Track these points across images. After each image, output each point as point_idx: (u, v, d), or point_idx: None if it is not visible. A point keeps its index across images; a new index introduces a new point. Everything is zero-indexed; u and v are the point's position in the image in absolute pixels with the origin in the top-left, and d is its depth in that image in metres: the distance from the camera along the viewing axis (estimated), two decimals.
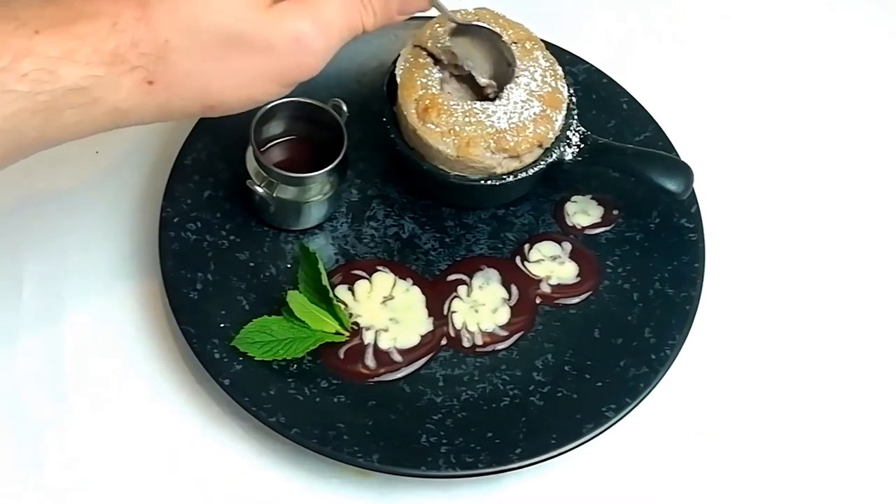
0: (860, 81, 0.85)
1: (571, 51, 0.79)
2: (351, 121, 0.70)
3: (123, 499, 0.64)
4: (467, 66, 0.69)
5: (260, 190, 0.68)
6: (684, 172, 0.70)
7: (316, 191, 0.69)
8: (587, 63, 0.79)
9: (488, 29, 0.69)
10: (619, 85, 0.78)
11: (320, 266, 0.67)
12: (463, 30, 0.68)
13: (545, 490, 0.66)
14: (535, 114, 0.68)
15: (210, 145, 0.73)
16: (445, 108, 0.67)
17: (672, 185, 0.70)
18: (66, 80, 0.51)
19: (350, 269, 0.71)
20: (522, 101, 0.68)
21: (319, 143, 0.70)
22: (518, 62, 0.69)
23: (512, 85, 0.69)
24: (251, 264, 0.70)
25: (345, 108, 0.70)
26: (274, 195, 0.68)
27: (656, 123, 0.77)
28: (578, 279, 0.72)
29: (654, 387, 0.66)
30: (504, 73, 0.69)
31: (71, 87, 0.51)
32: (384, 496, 0.65)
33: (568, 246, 0.73)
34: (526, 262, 0.72)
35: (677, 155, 0.75)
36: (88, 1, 0.52)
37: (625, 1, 0.88)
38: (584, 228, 0.74)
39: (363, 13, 0.57)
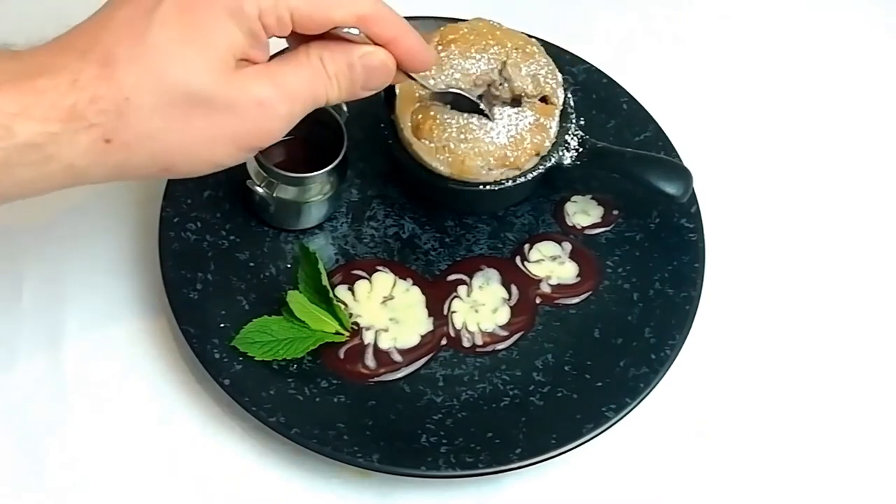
0: (860, 81, 0.85)
1: (571, 51, 0.79)
2: (351, 121, 0.70)
3: (123, 499, 0.64)
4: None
5: (260, 190, 0.68)
6: (683, 176, 0.70)
7: (316, 191, 0.69)
8: (587, 63, 0.79)
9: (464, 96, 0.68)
10: (619, 85, 0.78)
11: (320, 266, 0.67)
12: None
13: (545, 490, 0.66)
14: (530, 124, 0.68)
15: None
16: (439, 121, 0.67)
17: (671, 189, 0.69)
18: (21, 137, 0.50)
19: (350, 269, 0.71)
20: (516, 112, 0.68)
21: (319, 143, 0.70)
22: (516, 68, 0.69)
23: (503, 100, 0.69)
24: (251, 264, 0.70)
25: (345, 108, 0.70)
26: (274, 195, 0.68)
27: (656, 123, 0.77)
28: (578, 279, 0.72)
29: (654, 387, 0.66)
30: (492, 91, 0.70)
31: (25, 143, 0.50)
32: (384, 496, 0.65)
33: (568, 246, 0.73)
34: (526, 262, 0.72)
35: (677, 155, 0.75)
36: (52, 55, 0.52)
37: (625, 1, 0.88)
38: (584, 228, 0.74)
39: (328, 86, 0.56)
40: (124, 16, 0.52)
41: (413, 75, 0.59)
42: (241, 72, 0.54)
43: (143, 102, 0.51)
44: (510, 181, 0.69)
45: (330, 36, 0.56)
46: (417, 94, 0.68)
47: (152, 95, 0.51)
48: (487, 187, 0.69)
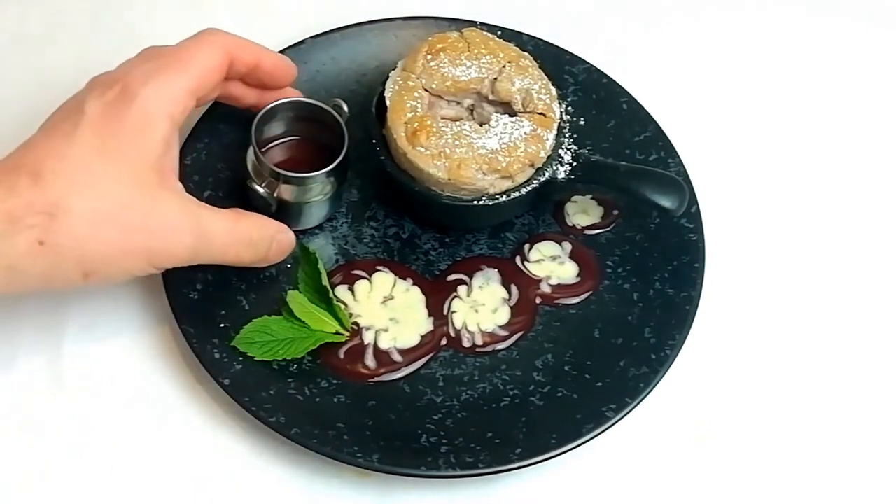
0: (861, 81, 0.85)
1: (571, 51, 0.79)
2: (350, 121, 0.70)
3: (123, 499, 0.64)
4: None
5: (261, 190, 0.68)
6: (679, 189, 0.69)
7: (317, 191, 0.69)
8: (587, 63, 0.79)
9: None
10: (619, 85, 0.78)
11: (320, 266, 0.67)
12: None
13: (545, 490, 0.66)
14: (525, 133, 0.68)
15: (210, 145, 0.72)
16: (434, 129, 0.67)
17: (667, 202, 0.68)
18: None
19: (350, 269, 0.71)
20: (512, 122, 0.68)
21: (320, 143, 0.70)
22: (508, 82, 0.69)
23: (500, 108, 0.69)
24: None
25: (346, 108, 0.70)
26: (275, 195, 0.68)
27: (656, 123, 0.77)
28: (578, 279, 0.72)
29: (654, 387, 0.66)
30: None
31: None
32: (384, 496, 0.65)
33: (568, 246, 0.73)
34: (526, 262, 0.72)
35: (677, 155, 0.75)
36: None
37: (625, 2, 0.88)
38: (584, 228, 0.74)
39: (246, 248, 0.65)
40: (46, 141, 0.60)
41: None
42: (160, 191, 0.61)
43: (70, 208, 0.58)
44: (504, 196, 0.68)
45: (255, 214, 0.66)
46: (409, 105, 0.68)
47: (76, 202, 0.58)
48: (481, 202, 0.68)
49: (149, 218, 0.60)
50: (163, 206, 0.61)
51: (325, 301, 0.67)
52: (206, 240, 0.63)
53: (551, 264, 0.72)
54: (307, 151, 0.71)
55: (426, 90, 0.69)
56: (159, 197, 0.61)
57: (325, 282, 0.67)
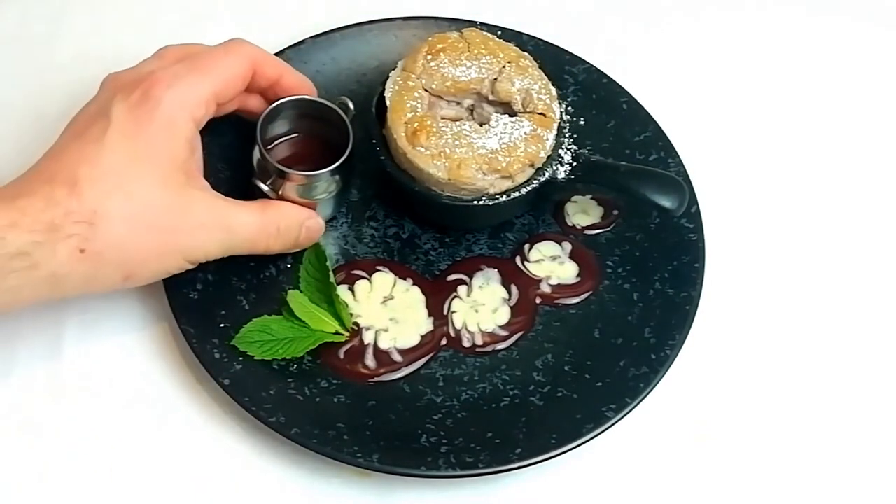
0: (861, 81, 0.85)
1: (571, 51, 0.79)
2: (353, 120, 0.70)
3: (123, 499, 0.64)
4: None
5: (265, 188, 0.68)
6: (678, 189, 0.69)
7: (322, 189, 0.69)
8: (587, 63, 0.79)
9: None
10: (619, 85, 0.78)
11: (328, 263, 0.67)
12: None
13: (545, 490, 0.66)
14: (525, 133, 0.68)
15: (210, 145, 0.72)
16: (434, 130, 0.67)
17: (667, 202, 0.68)
18: (13, 246, 0.57)
19: (350, 269, 0.71)
20: (513, 122, 0.68)
21: (325, 141, 0.70)
22: (508, 82, 0.69)
23: (500, 108, 0.69)
24: (251, 264, 0.70)
25: (351, 105, 0.70)
26: (279, 193, 0.68)
27: (656, 123, 0.77)
28: (578, 279, 0.72)
29: (654, 387, 0.66)
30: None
31: (16, 252, 0.57)
32: (384, 496, 0.65)
33: (568, 246, 0.73)
34: (526, 262, 0.72)
35: (677, 155, 0.75)
36: (23, 185, 0.60)
37: (625, 2, 0.88)
38: (584, 228, 0.74)
39: (273, 238, 0.66)
40: (78, 147, 0.61)
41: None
42: (189, 190, 0.63)
43: (108, 214, 0.59)
44: (504, 196, 0.68)
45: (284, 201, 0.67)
46: (409, 105, 0.68)
47: (113, 208, 0.59)
48: (481, 202, 0.68)
49: (182, 218, 0.62)
50: (194, 206, 0.63)
51: (328, 299, 0.67)
52: (236, 233, 0.64)
53: (551, 264, 0.72)
54: (312, 149, 0.71)
55: (426, 90, 0.69)
56: (189, 197, 0.63)
57: (332, 279, 0.67)
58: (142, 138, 0.61)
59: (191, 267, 0.64)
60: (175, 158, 0.62)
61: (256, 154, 0.69)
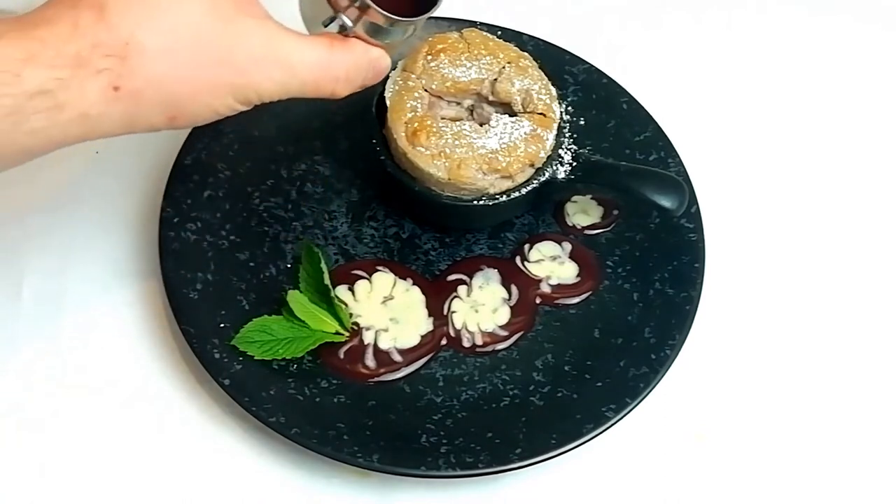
0: (861, 81, 0.85)
1: (571, 51, 0.79)
2: (352, 120, 0.70)
3: (123, 498, 0.64)
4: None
5: (342, 16, 0.58)
6: (679, 189, 0.69)
7: (397, 36, 0.60)
8: (587, 63, 0.79)
9: None
10: (619, 85, 0.78)
11: (322, 265, 0.67)
12: None
13: (545, 490, 0.66)
14: (525, 133, 0.68)
15: (210, 145, 0.73)
16: (434, 129, 0.67)
17: (667, 202, 0.68)
18: (31, 83, 0.50)
19: (350, 269, 0.71)
20: (512, 122, 0.68)
21: None
22: (508, 82, 0.69)
23: (500, 109, 0.69)
24: (251, 264, 0.70)
25: None
26: (352, 27, 0.59)
27: (656, 123, 0.77)
28: (578, 279, 0.72)
29: (654, 387, 0.66)
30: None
31: (36, 90, 0.50)
32: (384, 496, 0.65)
33: (568, 246, 0.73)
34: (526, 262, 0.72)
35: (677, 155, 0.75)
36: (44, 10, 0.52)
37: (625, 2, 0.88)
38: (584, 228, 0.74)
39: (337, 81, 0.58)
40: None
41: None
42: (241, 17, 0.54)
43: (143, 46, 0.51)
44: (504, 196, 0.68)
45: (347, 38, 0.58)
46: (409, 105, 0.68)
47: (149, 38, 0.51)
48: (481, 202, 0.68)
49: (230, 51, 0.54)
50: (245, 37, 0.54)
51: (327, 301, 0.67)
52: (297, 73, 0.56)
53: (551, 264, 0.72)
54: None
55: (426, 90, 0.69)
56: (240, 26, 0.54)
57: (326, 281, 0.67)
58: None
59: (243, 108, 0.56)
60: None
61: None
